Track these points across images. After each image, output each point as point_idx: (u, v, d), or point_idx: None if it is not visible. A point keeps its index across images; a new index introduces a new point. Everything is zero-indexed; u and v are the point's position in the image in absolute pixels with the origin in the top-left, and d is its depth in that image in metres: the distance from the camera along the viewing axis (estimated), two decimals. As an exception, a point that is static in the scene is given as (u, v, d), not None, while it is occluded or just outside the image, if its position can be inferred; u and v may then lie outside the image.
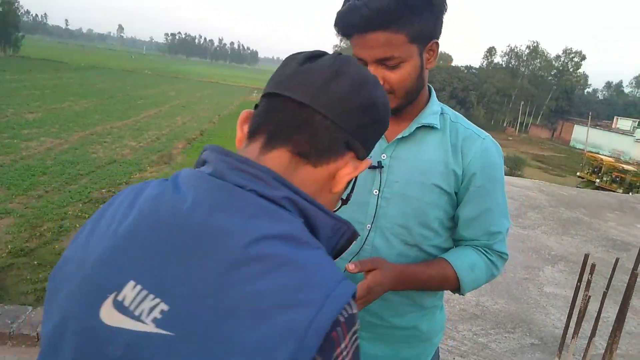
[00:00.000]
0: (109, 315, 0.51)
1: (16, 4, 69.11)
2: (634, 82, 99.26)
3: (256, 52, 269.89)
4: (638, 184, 26.88)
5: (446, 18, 1.02)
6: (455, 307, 3.37)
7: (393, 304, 1.12)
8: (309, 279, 0.50)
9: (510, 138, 53.75)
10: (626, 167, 30.38)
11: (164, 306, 0.49)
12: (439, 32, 1.02)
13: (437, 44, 1.04)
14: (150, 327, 0.49)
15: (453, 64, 70.49)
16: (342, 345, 0.50)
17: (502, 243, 1.14)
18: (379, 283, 0.96)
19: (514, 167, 31.43)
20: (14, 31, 67.72)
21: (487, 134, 1.12)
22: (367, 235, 1.09)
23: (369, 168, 1.07)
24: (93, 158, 20.28)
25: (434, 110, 1.10)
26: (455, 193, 1.09)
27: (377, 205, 1.08)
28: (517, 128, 62.63)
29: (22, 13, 78.27)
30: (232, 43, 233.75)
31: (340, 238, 0.62)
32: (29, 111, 28.48)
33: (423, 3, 0.94)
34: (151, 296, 0.50)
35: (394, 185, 1.08)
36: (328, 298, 0.49)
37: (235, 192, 0.55)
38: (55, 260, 10.87)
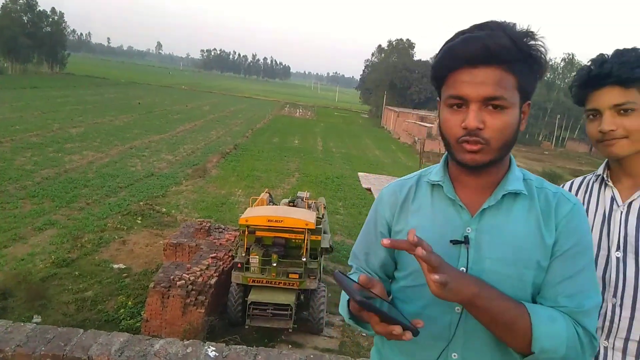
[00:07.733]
0: None
1: (63, 24, 72.91)
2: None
3: (288, 67, 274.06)
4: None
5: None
6: None
7: None
8: None
9: (547, 152, 52.13)
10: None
11: None
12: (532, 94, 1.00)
13: (529, 105, 1.01)
14: None
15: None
16: None
17: (592, 319, 0.96)
18: (456, 281, 0.86)
19: (550, 182, 30.77)
20: (60, 49, 71.55)
21: (577, 199, 1.03)
22: (460, 318, 0.98)
23: (452, 243, 0.98)
24: (132, 171, 21.01)
25: (517, 175, 1.02)
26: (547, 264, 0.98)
27: None
28: (554, 142, 60.83)
29: (68, 32, 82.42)
30: (264, 58, 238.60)
31: None
32: (73, 126, 29.88)
33: (527, 55, 0.93)
34: None
35: (485, 262, 0.96)
36: None
37: None
38: (94, 270, 11.26)
